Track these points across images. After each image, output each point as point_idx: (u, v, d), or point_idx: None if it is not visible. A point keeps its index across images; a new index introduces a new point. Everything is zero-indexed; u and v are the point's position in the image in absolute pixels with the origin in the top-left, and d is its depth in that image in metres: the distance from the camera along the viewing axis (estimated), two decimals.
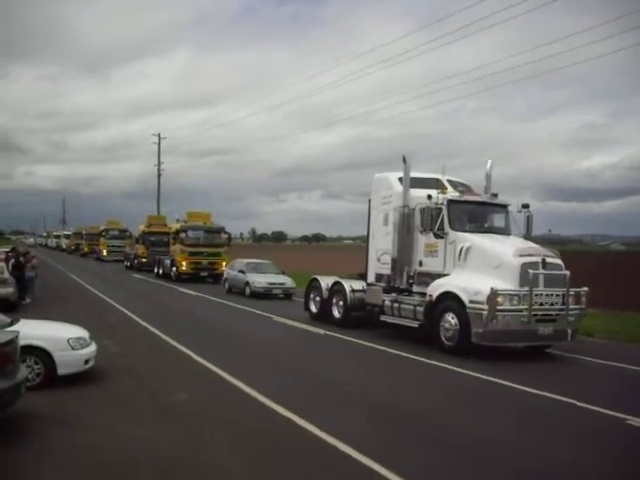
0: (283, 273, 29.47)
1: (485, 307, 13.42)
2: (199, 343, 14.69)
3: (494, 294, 13.34)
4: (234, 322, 19.95)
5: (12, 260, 24.20)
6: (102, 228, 65.65)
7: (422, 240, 15.99)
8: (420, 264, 16.02)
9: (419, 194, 16.13)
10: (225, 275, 31.44)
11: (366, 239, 18.56)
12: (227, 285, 30.24)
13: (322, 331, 17.48)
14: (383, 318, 16.75)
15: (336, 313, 18.78)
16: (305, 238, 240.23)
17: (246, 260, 30.37)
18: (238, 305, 23.91)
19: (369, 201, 18.22)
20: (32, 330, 10.19)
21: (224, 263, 35.51)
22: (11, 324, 9.91)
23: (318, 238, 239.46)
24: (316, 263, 50.83)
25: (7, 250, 32.02)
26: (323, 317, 19.20)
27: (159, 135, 66.59)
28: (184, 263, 35.97)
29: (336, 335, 16.82)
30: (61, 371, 10.25)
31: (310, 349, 15.32)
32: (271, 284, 27.56)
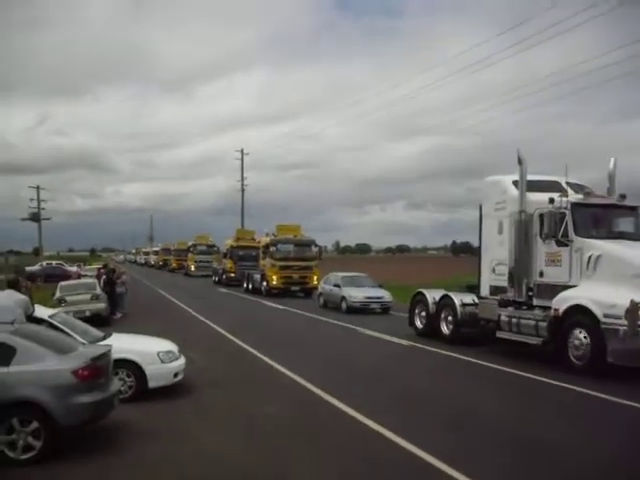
0: (380, 286, 28.79)
1: (623, 322, 12.24)
2: (290, 358, 14.57)
3: (634, 307, 12.13)
4: (331, 338, 19.47)
5: (104, 276, 25.12)
6: (190, 244, 67.08)
7: (542, 248, 14.96)
8: (541, 275, 14.96)
9: (536, 198, 15.14)
10: (320, 289, 31.05)
11: (478, 249, 17.62)
12: (322, 300, 29.83)
13: (431, 348, 16.76)
14: (499, 334, 15.77)
15: (445, 329, 17.90)
16: (389, 249, 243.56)
17: (341, 274, 29.90)
18: (334, 321, 23.42)
19: (480, 208, 17.32)
20: (124, 344, 10.68)
21: (315, 277, 35.47)
22: (104, 338, 10.72)
23: (402, 249, 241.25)
24: (404, 274, 50.40)
25: (99, 267, 33.28)
26: (430, 333, 18.36)
27: (242, 151, 67.88)
28: (275, 277, 35.92)
29: (448, 353, 15.98)
30: (151, 384, 10.63)
31: (417, 366, 14.66)
32: (368, 298, 26.96)
